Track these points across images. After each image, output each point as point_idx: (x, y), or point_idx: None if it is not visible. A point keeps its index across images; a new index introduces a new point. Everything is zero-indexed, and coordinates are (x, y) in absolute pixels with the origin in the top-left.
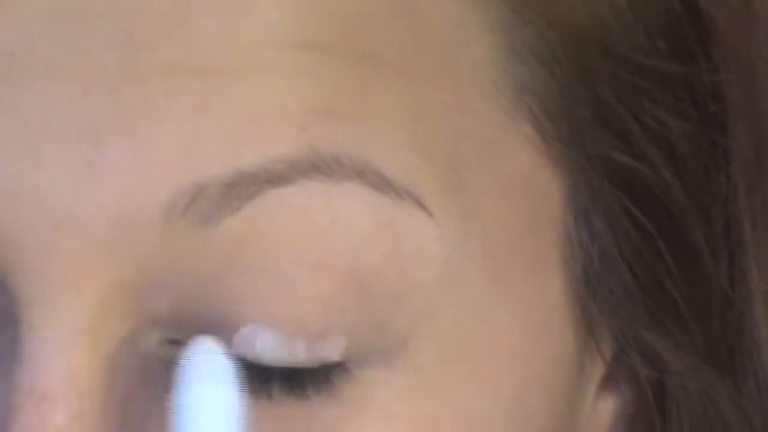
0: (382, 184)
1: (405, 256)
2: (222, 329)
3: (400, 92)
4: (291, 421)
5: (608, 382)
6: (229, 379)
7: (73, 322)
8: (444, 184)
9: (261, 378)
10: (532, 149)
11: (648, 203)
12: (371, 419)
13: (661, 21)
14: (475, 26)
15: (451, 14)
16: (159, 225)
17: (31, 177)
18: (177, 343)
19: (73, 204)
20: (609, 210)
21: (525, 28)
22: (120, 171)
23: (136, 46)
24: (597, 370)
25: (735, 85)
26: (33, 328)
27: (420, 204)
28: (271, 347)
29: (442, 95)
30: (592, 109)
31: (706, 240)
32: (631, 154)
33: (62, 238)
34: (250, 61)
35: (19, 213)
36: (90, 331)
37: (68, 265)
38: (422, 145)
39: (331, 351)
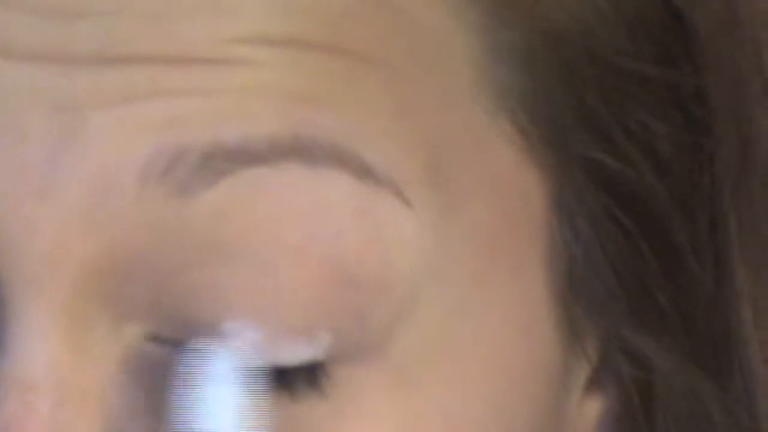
0: (362, 171)
1: (384, 244)
2: (205, 324)
3: (383, 86)
4: (277, 421)
5: (594, 383)
6: (230, 372)
7: (51, 304)
8: (424, 177)
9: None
10: (515, 150)
11: (632, 205)
12: (356, 419)
13: (644, 24)
14: (457, 27)
15: (434, 15)
16: (134, 189)
17: (14, 149)
18: (160, 340)
19: (53, 175)
20: (593, 211)
21: (507, 30)
22: (100, 140)
23: (116, 41)
24: (582, 372)
25: (718, 88)
26: (14, 311)
27: (399, 193)
28: (257, 343)
29: (424, 93)
30: (575, 111)
31: (691, 241)
32: (615, 156)
33: (42, 211)
34: (234, 54)
35: (3, 187)
36: (68, 312)
37: (46, 240)
38: (404, 138)
39: (317, 349)
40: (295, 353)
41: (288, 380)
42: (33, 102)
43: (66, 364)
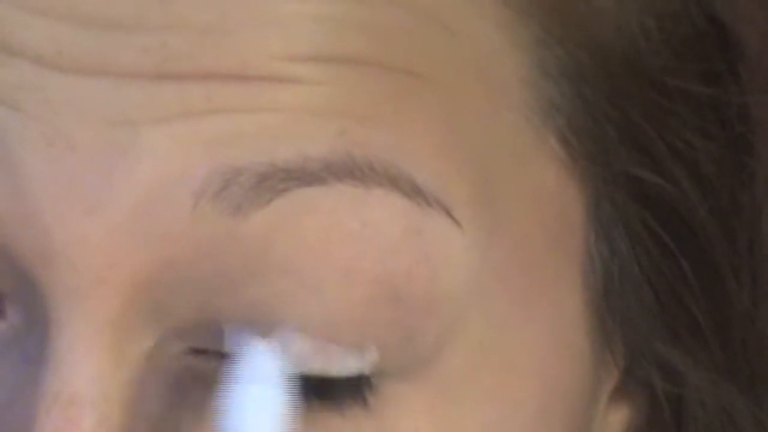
0: (412, 191)
1: (433, 264)
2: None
3: (434, 104)
4: None
5: (620, 392)
6: (279, 382)
7: (97, 317)
8: (473, 195)
9: (295, 388)
10: (559, 165)
11: (671, 221)
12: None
13: (689, 42)
14: (506, 44)
15: (483, 31)
16: (188, 206)
17: (64, 163)
18: (203, 353)
19: (104, 189)
20: (631, 227)
21: (555, 47)
22: (154, 156)
23: (171, 55)
24: (610, 379)
25: (762, 106)
26: (59, 325)
27: (449, 214)
28: (305, 355)
29: (474, 110)
30: (618, 127)
31: (730, 259)
32: (657, 172)
33: (92, 225)
34: (287, 71)
35: (51, 199)
36: (114, 327)
37: (96, 253)
38: (454, 156)
39: (365, 362)
40: (343, 366)
41: (335, 394)
42: (83, 116)
43: (110, 379)
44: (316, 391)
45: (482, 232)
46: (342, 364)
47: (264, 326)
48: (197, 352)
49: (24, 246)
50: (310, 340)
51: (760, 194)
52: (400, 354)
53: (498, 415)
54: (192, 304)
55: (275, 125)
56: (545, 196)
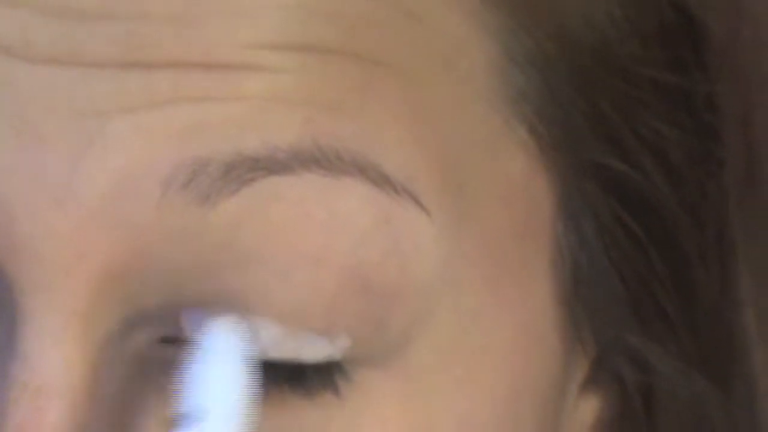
0: (381, 180)
1: (403, 253)
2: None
3: (401, 93)
4: (293, 420)
5: (591, 382)
6: (238, 363)
7: (65, 308)
8: (442, 183)
9: (265, 374)
10: (527, 154)
11: (640, 210)
12: (371, 421)
13: (656, 31)
14: (473, 32)
15: (452, 20)
16: (156, 196)
17: (32, 153)
18: (171, 341)
19: (72, 180)
20: (600, 216)
21: (523, 35)
22: (121, 146)
23: (138, 44)
24: (580, 370)
25: (729, 95)
26: (27, 316)
27: (418, 202)
28: (275, 341)
29: (441, 98)
30: (587, 116)
31: (698, 248)
32: (625, 161)
33: (60, 216)
34: (253, 59)
35: (19, 191)
36: (82, 317)
37: (63, 244)
38: (421, 145)
39: (335, 348)
40: (313, 351)
41: (306, 381)
42: (51, 106)
43: (77, 369)
44: (287, 377)
45: (451, 220)
46: (312, 350)
47: (232, 313)
48: (166, 340)
49: None
50: (280, 326)
51: (728, 183)
52: (371, 342)
53: (468, 404)
54: (161, 293)
55: (241, 114)
56: (514, 184)
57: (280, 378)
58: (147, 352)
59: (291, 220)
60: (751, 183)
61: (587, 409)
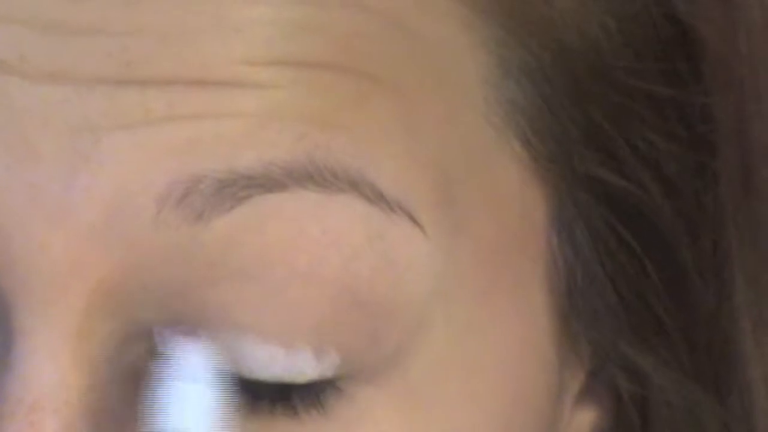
0: (375, 196)
1: (396, 269)
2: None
3: (395, 107)
4: None
5: (586, 393)
6: (206, 379)
7: (61, 324)
8: (436, 198)
9: (251, 393)
10: (521, 166)
11: (635, 222)
12: None
13: (651, 43)
14: (467, 44)
15: (444, 32)
16: (151, 214)
17: (26, 171)
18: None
19: (67, 197)
20: (594, 228)
21: (517, 47)
22: (116, 163)
23: (133, 61)
24: (576, 382)
25: (724, 107)
26: (22, 332)
27: (411, 217)
28: (263, 361)
29: (434, 111)
30: (581, 128)
31: (694, 258)
32: (620, 173)
33: (55, 233)
34: (247, 76)
35: (13, 208)
36: (77, 333)
37: (58, 261)
38: (415, 159)
39: (325, 367)
40: (302, 371)
41: (292, 399)
42: (46, 122)
43: (73, 385)
44: (274, 397)
45: (445, 235)
46: (301, 370)
47: (224, 331)
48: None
49: None
50: (269, 345)
51: (724, 194)
52: (363, 357)
53: (464, 417)
54: (155, 309)
55: (235, 131)
56: (507, 197)
57: (266, 396)
58: (142, 367)
59: (285, 238)
60: (746, 194)
61: (583, 420)
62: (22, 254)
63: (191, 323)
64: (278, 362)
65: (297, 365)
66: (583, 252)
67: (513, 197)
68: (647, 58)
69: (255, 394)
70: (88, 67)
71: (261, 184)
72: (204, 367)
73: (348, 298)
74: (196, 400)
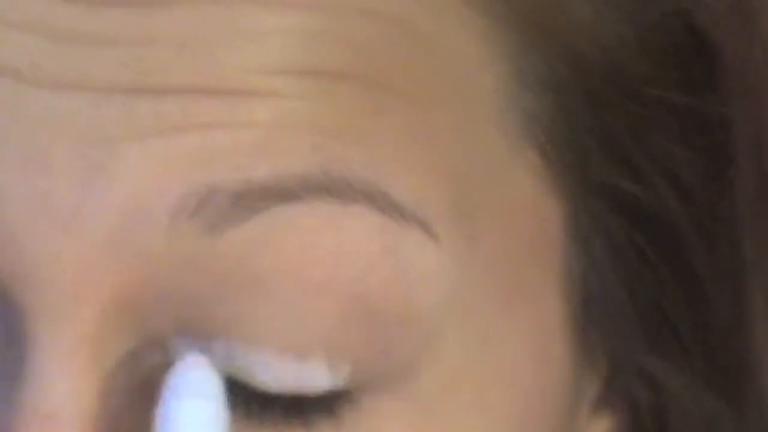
0: (390, 208)
1: (410, 281)
2: (225, 353)
3: (410, 118)
4: None
5: (602, 402)
6: (214, 394)
7: (74, 335)
8: (451, 209)
9: (263, 404)
10: (537, 176)
11: (651, 231)
12: None
13: (668, 51)
14: (484, 55)
15: (461, 43)
16: (165, 225)
17: (40, 180)
18: None
19: (80, 207)
20: (610, 237)
21: (534, 57)
22: (130, 173)
23: (148, 70)
24: (591, 391)
25: (740, 116)
26: (36, 342)
27: (427, 229)
28: (276, 373)
29: (450, 122)
30: (597, 138)
31: (710, 267)
32: (636, 181)
33: (68, 243)
34: (262, 85)
35: (27, 218)
36: (91, 343)
37: (72, 271)
38: (430, 170)
39: (337, 378)
40: (315, 383)
41: (305, 408)
42: (59, 131)
43: (87, 394)
44: (286, 409)
45: (460, 246)
46: (313, 383)
47: (238, 342)
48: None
49: (0, 264)
50: (282, 357)
51: (740, 203)
52: (374, 370)
53: (478, 428)
54: (169, 319)
55: (251, 141)
56: (523, 207)
57: (279, 408)
58: (156, 378)
59: (299, 250)
60: (763, 202)
61: (599, 429)
62: (36, 264)
63: (205, 334)
64: (291, 374)
65: (310, 377)
66: (599, 262)
67: (529, 208)
68: (665, 67)
69: (268, 405)
70: (102, 75)
71: (276, 195)
72: (217, 379)
73: (361, 310)
74: (209, 412)
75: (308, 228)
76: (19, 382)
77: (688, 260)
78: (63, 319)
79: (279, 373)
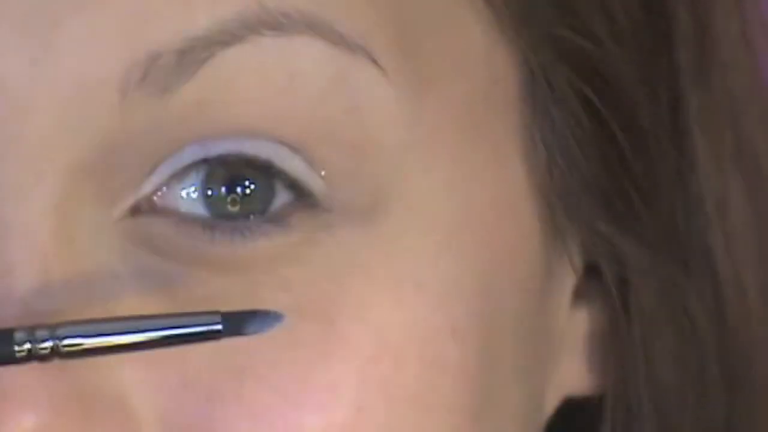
0: (335, 37)
1: (363, 111)
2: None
3: None
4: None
5: (581, 296)
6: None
7: (38, 205)
8: (396, 45)
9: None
10: (486, 26)
11: (599, 84)
12: (354, 280)
13: None
14: None
15: None
16: (116, 101)
17: None
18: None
19: (33, 87)
20: (564, 94)
21: None
22: (75, 49)
23: None
24: (568, 280)
25: None
26: (2, 220)
27: (373, 60)
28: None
29: None
30: None
31: (654, 119)
32: (580, 31)
33: (25, 124)
34: None
35: None
36: (55, 212)
37: (32, 150)
38: (373, 10)
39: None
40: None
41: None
42: (3, 14)
43: (50, 251)
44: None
45: (410, 83)
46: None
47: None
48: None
49: None
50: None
51: (680, 55)
52: (344, 191)
53: (451, 269)
54: (133, 173)
55: None
56: (473, 55)
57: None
58: (127, 225)
59: (252, 89)
60: (702, 59)
61: (579, 320)
62: None
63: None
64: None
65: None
66: (558, 128)
67: (479, 57)
68: None
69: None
70: None
71: (218, 41)
72: None
73: (320, 136)
74: None
75: (257, 67)
76: None
77: (633, 116)
78: (26, 194)
79: None
